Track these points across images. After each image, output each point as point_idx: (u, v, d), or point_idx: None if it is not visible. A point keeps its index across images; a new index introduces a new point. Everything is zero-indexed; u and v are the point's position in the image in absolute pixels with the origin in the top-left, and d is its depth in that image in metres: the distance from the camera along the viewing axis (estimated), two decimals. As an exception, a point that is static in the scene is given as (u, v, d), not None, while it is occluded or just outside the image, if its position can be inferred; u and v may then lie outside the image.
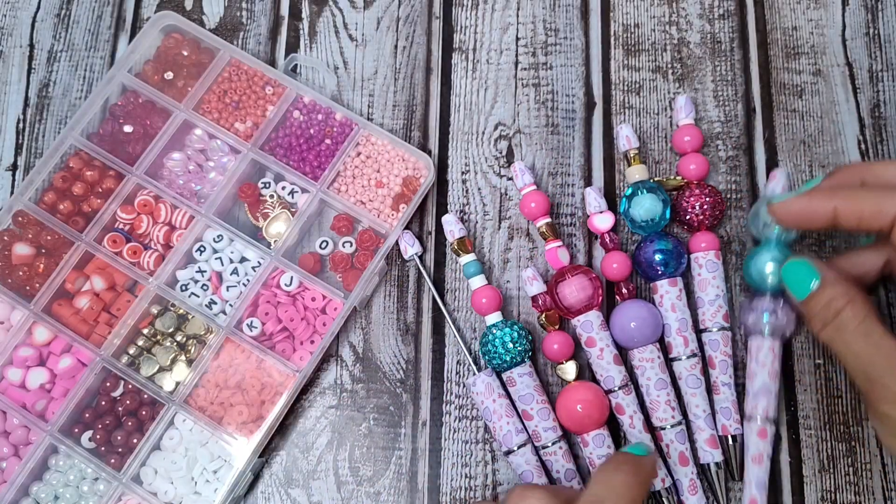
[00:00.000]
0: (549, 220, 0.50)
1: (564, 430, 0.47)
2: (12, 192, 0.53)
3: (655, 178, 0.51)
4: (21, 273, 0.49)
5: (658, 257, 0.48)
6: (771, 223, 0.46)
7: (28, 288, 0.49)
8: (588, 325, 0.47)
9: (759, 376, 0.46)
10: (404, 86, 0.55)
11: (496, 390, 0.47)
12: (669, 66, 0.54)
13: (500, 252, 0.51)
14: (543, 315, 0.48)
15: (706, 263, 0.48)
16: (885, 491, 0.47)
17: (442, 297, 0.51)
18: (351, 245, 0.51)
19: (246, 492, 0.48)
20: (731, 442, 0.47)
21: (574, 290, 0.47)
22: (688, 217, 0.49)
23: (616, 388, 0.47)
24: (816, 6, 0.55)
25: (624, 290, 0.49)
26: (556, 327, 0.48)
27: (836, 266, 0.44)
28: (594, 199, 0.49)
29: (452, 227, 0.50)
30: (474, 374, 0.48)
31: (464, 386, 0.49)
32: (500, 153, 0.53)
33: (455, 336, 0.49)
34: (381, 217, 0.50)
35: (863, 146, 0.52)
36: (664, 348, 0.48)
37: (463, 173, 0.53)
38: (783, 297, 0.46)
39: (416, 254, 0.50)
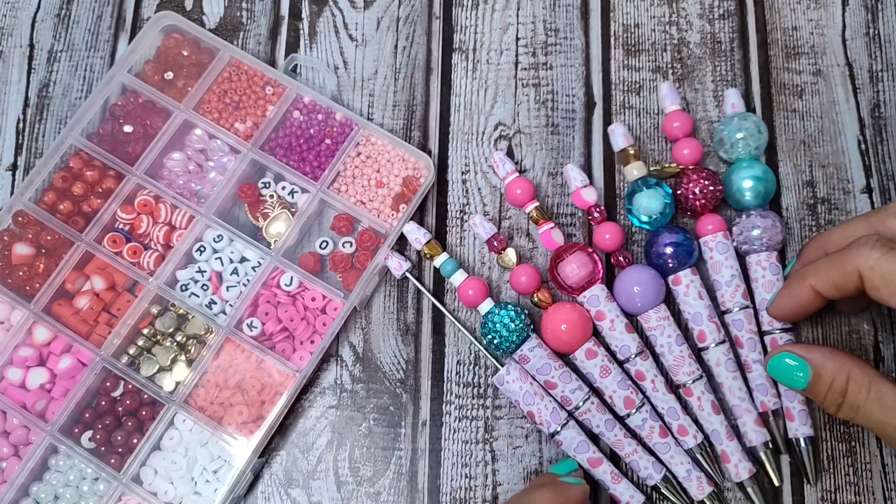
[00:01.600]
0: (536, 203, 0.50)
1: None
2: (12, 192, 0.53)
3: (652, 169, 0.51)
4: (21, 273, 0.49)
5: (669, 250, 0.48)
6: (736, 141, 0.49)
7: (28, 288, 0.49)
8: (595, 299, 0.47)
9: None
10: (404, 86, 0.55)
11: (529, 374, 0.47)
12: (669, 66, 0.54)
13: (500, 252, 0.51)
14: (497, 256, 0.49)
15: (716, 245, 0.48)
16: (885, 491, 0.47)
17: (441, 299, 0.51)
18: (351, 245, 0.51)
19: (246, 492, 0.48)
20: (771, 417, 0.47)
21: (575, 268, 0.47)
22: (689, 203, 0.49)
23: (633, 356, 0.47)
24: (816, 6, 0.55)
25: (621, 259, 0.49)
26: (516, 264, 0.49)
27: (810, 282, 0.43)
28: (576, 174, 0.49)
29: (417, 235, 0.49)
30: (497, 369, 0.47)
31: (465, 385, 0.49)
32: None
33: (468, 337, 0.49)
34: (381, 217, 0.50)
35: (863, 146, 0.52)
36: (690, 339, 0.48)
37: (463, 173, 0.53)
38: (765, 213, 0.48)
39: (407, 271, 0.50)
